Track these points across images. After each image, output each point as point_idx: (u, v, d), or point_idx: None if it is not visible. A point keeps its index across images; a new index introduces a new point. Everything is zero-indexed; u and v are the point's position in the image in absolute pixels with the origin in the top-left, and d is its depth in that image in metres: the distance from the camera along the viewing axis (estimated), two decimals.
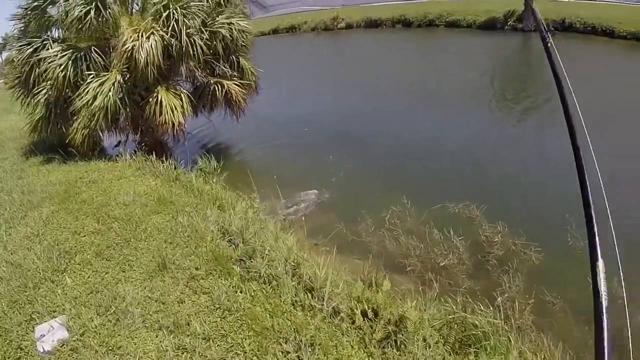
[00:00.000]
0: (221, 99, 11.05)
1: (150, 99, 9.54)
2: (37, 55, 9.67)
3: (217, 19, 10.28)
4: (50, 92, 9.53)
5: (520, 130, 12.23)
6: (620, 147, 9.22)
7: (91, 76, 9.32)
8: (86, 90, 9.17)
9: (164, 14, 9.23)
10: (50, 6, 9.83)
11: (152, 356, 4.08)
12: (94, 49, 9.56)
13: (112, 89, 9.18)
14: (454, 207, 7.79)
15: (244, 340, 4.17)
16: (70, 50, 9.44)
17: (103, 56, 9.66)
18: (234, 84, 10.98)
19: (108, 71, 9.47)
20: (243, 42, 11.14)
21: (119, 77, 9.33)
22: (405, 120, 13.94)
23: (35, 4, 9.67)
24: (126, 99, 9.62)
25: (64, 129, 9.97)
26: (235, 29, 10.47)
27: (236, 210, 6.77)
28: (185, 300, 4.82)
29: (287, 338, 4.12)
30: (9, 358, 4.26)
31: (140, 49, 8.88)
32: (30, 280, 5.34)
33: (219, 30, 10.12)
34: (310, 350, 3.92)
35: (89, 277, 5.36)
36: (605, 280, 1.54)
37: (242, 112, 11.68)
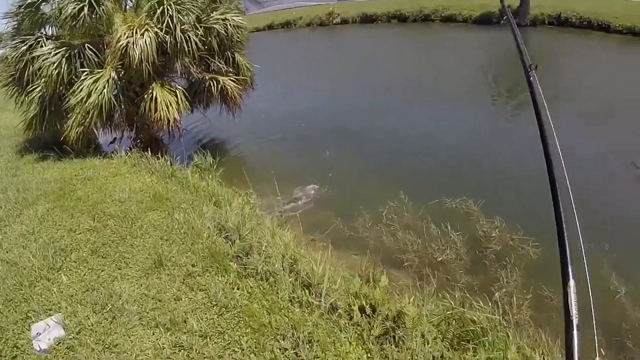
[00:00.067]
0: (217, 95, 10.98)
1: (145, 96, 9.48)
2: (30, 53, 9.60)
3: (212, 15, 10.20)
4: (44, 90, 9.46)
5: (514, 125, 12.22)
6: (620, 144, 9.26)
7: (85, 73, 9.25)
8: (80, 88, 9.10)
9: (158, 11, 9.16)
10: (44, 3, 9.72)
11: (148, 354, 4.06)
12: (87, 46, 9.48)
13: (106, 86, 9.11)
14: (451, 202, 7.78)
15: (241, 337, 4.16)
16: (64, 48, 9.36)
17: (97, 53, 9.58)
18: (230, 79, 10.92)
19: (102, 68, 9.40)
20: (238, 37, 11.06)
21: (113, 74, 9.26)
22: (402, 115, 13.91)
23: (29, 1, 9.56)
24: (121, 96, 9.55)
25: (58, 127, 9.92)
26: (230, 24, 10.40)
27: (232, 207, 6.75)
28: (181, 298, 4.80)
29: (284, 335, 4.10)
30: (5, 357, 4.23)
31: (135, 46, 8.80)
32: (25, 279, 5.30)
33: (214, 26, 10.05)
34: (308, 347, 3.91)
35: (84, 274, 5.34)
36: (577, 300, 1.54)
37: (238, 107, 11.64)
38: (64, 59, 9.21)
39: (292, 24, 40.80)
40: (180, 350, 4.07)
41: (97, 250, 5.81)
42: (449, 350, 3.99)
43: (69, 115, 9.42)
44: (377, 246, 7.12)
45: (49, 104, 9.82)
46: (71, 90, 9.25)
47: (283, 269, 5.03)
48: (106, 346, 4.19)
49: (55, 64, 9.13)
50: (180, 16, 9.19)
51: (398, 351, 3.90)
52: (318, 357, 3.85)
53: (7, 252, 6.02)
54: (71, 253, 5.80)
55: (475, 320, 4.17)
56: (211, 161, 9.58)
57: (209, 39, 10.05)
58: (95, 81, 9.13)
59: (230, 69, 11.26)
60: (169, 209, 6.82)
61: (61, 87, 9.46)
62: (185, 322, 4.39)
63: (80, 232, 6.31)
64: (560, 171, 2.15)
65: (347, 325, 4.26)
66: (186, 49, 9.39)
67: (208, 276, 5.11)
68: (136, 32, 8.92)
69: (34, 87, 9.60)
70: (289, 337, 4.05)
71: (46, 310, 4.77)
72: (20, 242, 6.26)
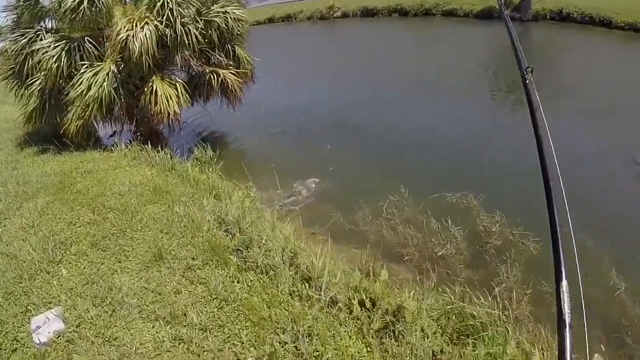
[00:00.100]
0: (217, 88, 10.95)
1: (145, 89, 9.46)
2: (29, 47, 9.56)
3: (212, 7, 10.15)
4: (44, 83, 9.43)
5: (513, 120, 12.18)
6: (620, 141, 9.24)
7: (85, 66, 9.21)
8: (80, 81, 9.07)
9: (158, 3, 9.13)
10: None
11: (148, 347, 4.07)
12: (87, 39, 9.44)
13: (106, 79, 9.08)
14: (452, 196, 7.77)
15: (241, 330, 4.16)
16: (64, 41, 9.32)
17: (97, 46, 9.54)
18: (230, 72, 10.89)
19: (102, 61, 9.36)
20: (239, 31, 11.00)
21: (113, 67, 9.23)
22: (403, 109, 13.87)
23: None
24: (120, 89, 9.52)
25: (58, 120, 9.89)
26: (230, 17, 10.35)
27: (232, 200, 6.75)
28: (181, 291, 4.80)
29: (284, 328, 4.11)
30: (4, 349, 4.24)
31: (135, 39, 8.78)
32: (25, 272, 5.31)
33: (214, 19, 10.00)
34: (307, 340, 3.91)
35: (84, 268, 5.34)
36: (570, 299, 1.62)
37: (239, 101, 11.61)
38: (63, 52, 9.18)
39: (293, 17, 40.65)
40: (180, 344, 4.07)
41: (97, 243, 5.81)
42: (448, 344, 3.99)
43: (68, 109, 9.39)
44: (377, 240, 7.12)
45: (49, 97, 9.79)
46: (71, 84, 9.22)
47: (283, 263, 5.03)
48: (106, 339, 4.20)
49: (55, 57, 9.10)
50: (180, 9, 9.16)
51: (398, 345, 3.91)
52: (318, 351, 3.84)
53: (7, 245, 6.02)
54: (71, 246, 5.80)
55: (475, 315, 4.18)
56: (211, 154, 9.57)
57: (209, 32, 10.01)
58: (95, 74, 9.10)
59: (231, 62, 11.22)
60: (169, 202, 6.81)
61: (61, 80, 9.44)
62: (185, 315, 4.39)
63: (80, 225, 6.31)
64: (555, 171, 2.16)
65: (347, 319, 4.26)
66: (186, 42, 9.36)
67: (208, 269, 5.11)
68: (136, 25, 8.89)
69: (33, 80, 9.56)
70: (289, 331, 4.05)
71: (46, 304, 4.77)
72: (20, 235, 6.25)
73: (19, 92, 10.25)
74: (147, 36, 8.83)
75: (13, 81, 10.36)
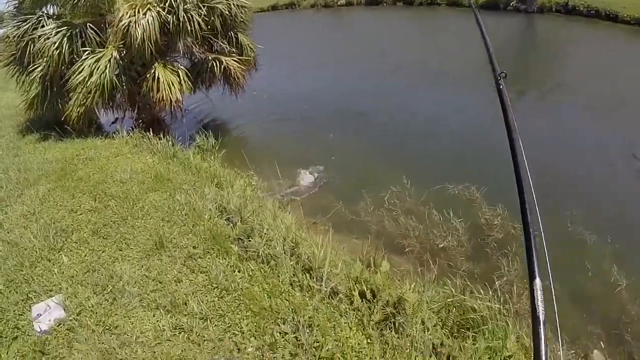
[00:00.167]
0: (219, 75, 10.90)
1: (148, 76, 9.40)
2: (31, 35, 9.49)
3: None
4: (45, 70, 9.37)
5: (515, 113, 12.11)
6: (623, 137, 9.18)
7: (87, 53, 9.16)
8: (82, 67, 9.02)
9: None
10: None
11: (149, 336, 4.07)
12: (89, 26, 9.37)
13: (108, 65, 9.03)
14: (454, 188, 7.75)
15: (241, 320, 4.16)
16: (65, 27, 9.25)
17: (99, 33, 9.47)
18: (233, 60, 10.82)
19: (104, 48, 9.30)
20: (242, 18, 10.94)
21: (115, 54, 9.17)
22: (406, 98, 13.82)
23: None
24: (122, 76, 9.47)
25: (60, 106, 9.84)
26: (233, 4, 10.26)
27: (234, 188, 6.73)
28: (182, 280, 4.80)
29: (285, 319, 4.10)
30: (5, 337, 4.24)
31: (137, 25, 8.71)
32: (26, 259, 5.30)
33: (217, 5, 9.89)
34: (308, 331, 3.91)
35: (85, 255, 5.34)
36: (543, 297, 1.69)
37: (241, 88, 11.56)
38: (65, 39, 9.12)
39: (297, 4, 40.45)
40: (180, 333, 4.07)
41: (98, 231, 5.81)
42: (448, 337, 3.98)
43: (70, 95, 9.36)
44: (378, 231, 7.11)
45: (51, 83, 9.73)
46: (72, 70, 9.16)
47: (284, 252, 5.02)
48: (106, 327, 4.20)
49: (57, 44, 9.05)
50: None
51: (398, 337, 3.90)
52: (318, 342, 3.84)
53: (8, 232, 6.01)
54: (72, 234, 5.79)
55: (475, 309, 4.17)
56: (213, 142, 9.55)
57: (212, 18, 9.92)
58: (97, 61, 9.05)
59: (234, 49, 11.15)
60: (170, 190, 6.80)
61: (62, 67, 9.36)
62: (185, 304, 4.39)
63: (82, 213, 6.30)
64: (526, 172, 2.21)
65: (347, 310, 4.25)
66: (189, 28, 9.28)
67: (209, 258, 5.10)
68: (138, 12, 8.83)
69: (35, 66, 9.50)
70: (289, 321, 4.05)
71: (47, 291, 4.77)
72: (21, 222, 6.24)
73: (20, 78, 10.19)
74: (150, 22, 8.76)
75: (15, 67, 10.28)
